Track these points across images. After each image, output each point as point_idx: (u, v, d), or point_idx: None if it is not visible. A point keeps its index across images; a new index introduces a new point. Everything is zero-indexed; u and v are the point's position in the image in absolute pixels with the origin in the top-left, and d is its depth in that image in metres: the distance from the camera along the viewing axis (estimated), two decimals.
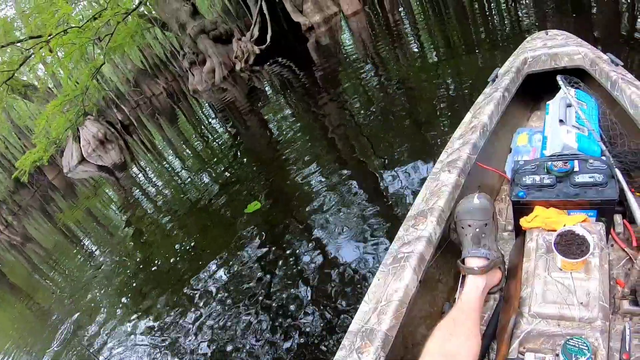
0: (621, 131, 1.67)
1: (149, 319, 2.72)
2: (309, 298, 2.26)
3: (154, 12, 15.34)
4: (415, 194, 2.68)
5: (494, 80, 2.01)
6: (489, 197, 1.33)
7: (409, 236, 1.35)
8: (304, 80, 5.20)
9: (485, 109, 1.78)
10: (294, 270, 2.49)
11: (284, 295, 2.33)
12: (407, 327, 1.29)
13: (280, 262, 2.59)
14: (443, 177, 1.50)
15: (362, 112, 4.13)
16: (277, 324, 2.17)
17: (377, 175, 3.05)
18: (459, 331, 1.09)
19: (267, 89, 5.44)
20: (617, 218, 1.54)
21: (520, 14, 5.63)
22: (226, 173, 4.04)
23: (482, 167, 1.63)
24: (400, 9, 7.27)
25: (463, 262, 1.31)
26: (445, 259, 1.48)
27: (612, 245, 1.51)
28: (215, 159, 4.63)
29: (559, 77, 1.74)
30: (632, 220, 1.51)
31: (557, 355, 1.05)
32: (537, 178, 1.37)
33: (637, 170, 1.65)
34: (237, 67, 11.54)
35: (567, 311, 1.12)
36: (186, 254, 3.09)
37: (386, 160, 3.18)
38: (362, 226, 2.57)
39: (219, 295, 2.56)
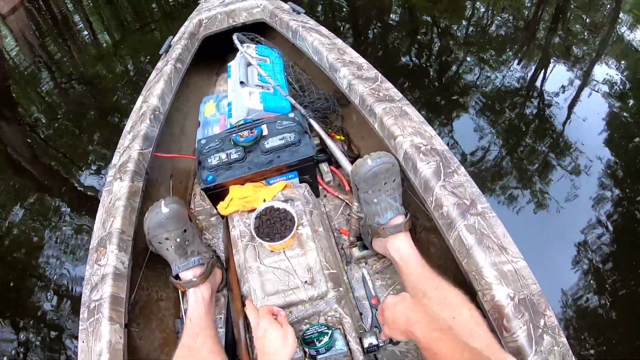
0: (308, 79, 1.64)
1: None
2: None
3: None
4: None
5: (167, 52, 1.73)
6: (177, 198, 1.07)
7: (95, 277, 1.02)
8: None
9: (154, 89, 1.48)
10: (53, 335, 2.01)
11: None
12: None
13: (34, 339, 2.03)
14: (115, 187, 1.17)
15: (48, 124, 3.54)
16: None
17: (84, 182, 2.75)
18: (198, 358, 0.93)
19: None
20: (324, 167, 1.50)
21: None
22: None
23: (162, 156, 1.36)
24: None
25: (177, 277, 1.06)
26: (156, 272, 1.21)
27: (325, 196, 1.48)
28: None
29: (234, 36, 1.58)
30: (339, 165, 1.51)
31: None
32: (224, 155, 1.17)
33: (332, 113, 1.66)
34: None
35: (293, 296, 0.97)
36: None
37: (90, 163, 2.89)
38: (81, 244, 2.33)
39: None
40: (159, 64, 1.70)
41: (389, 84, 1.35)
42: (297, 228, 1.02)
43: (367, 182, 1.05)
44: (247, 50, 1.53)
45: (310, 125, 1.37)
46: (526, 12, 3.68)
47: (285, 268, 1.02)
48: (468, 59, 3.05)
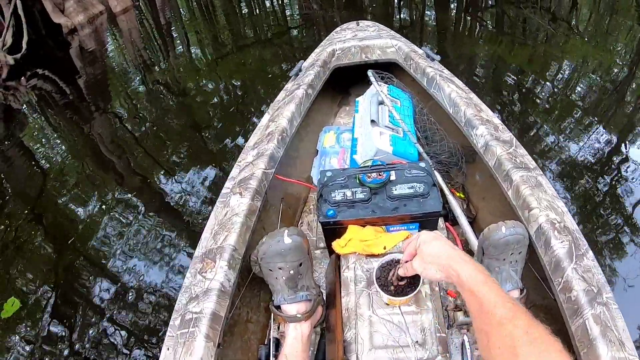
0: (438, 129, 1.59)
1: None
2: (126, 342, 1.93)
3: None
4: (207, 201, 2.55)
5: (297, 75, 1.76)
6: (300, 230, 1.05)
7: (197, 287, 1.01)
8: (69, 93, 4.28)
9: (284, 110, 1.51)
10: (105, 324, 2.04)
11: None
12: None
13: (86, 323, 2.06)
14: (233, 201, 1.17)
15: (137, 122, 3.70)
16: None
17: (164, 187, 2.83)
18: None
19: (25, 109, 4.34)
20: (440, 222, 1.42)
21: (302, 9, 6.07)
22: None
23: (282, 179, 1.37)
24: (172, 5, 6.95)
25: (279, 308, 1.03)
26: (252, 293, 1.19)
27: None
28: None
29: (370, 72, 1.58)
30: (455, 222, 1.42)
31: None
32: (349, 193, 1.14)
33: (455, 168, 1.58)
34: None
35: (401, 354, 0.92)
36: None
37: (171, 171, 2.96)
38: (160, 246, 2.35)
39: None
40: (288, 86, 1.74)
41: (523, 150, 1.28)
42: (421, 286, 0.96)
43: (497, 249, 1.00)
44: (381, 90, 1.52)
45: None
46: (615, 74, 3.53)
47: (397, 323, 0.97)
48: (549, 122, 2.94)
